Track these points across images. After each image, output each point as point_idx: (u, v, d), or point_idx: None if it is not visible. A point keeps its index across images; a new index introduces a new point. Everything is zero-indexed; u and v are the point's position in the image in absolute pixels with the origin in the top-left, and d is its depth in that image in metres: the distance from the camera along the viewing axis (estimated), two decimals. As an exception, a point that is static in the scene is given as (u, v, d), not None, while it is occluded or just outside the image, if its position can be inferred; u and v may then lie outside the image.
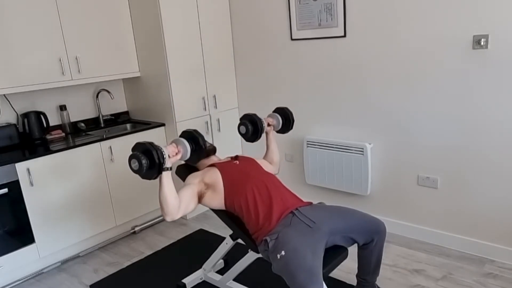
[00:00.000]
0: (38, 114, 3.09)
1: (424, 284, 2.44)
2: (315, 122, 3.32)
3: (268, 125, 2.48)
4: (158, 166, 1.84)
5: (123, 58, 3.37)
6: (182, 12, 3.25)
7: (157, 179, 1.91)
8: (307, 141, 3.29)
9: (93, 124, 3.54)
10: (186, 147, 2.01)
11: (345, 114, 3.12)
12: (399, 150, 2.90)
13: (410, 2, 2.60)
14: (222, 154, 2.62)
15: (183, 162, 2.21)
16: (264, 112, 2.63)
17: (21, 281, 2.79)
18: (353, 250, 2.09)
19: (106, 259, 3.03)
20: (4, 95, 2.97)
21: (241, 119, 2.43)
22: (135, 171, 1.88)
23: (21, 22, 2.79)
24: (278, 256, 1.79)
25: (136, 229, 3.39)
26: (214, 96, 3.59)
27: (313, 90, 3.25)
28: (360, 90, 2.99)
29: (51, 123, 3.22)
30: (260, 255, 2.05)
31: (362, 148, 2.97)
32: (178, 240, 3.22)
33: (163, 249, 3.10)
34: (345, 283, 2.48)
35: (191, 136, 2.04)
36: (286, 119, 2.54)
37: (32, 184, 2.72)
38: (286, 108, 2.54)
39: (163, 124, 3.44)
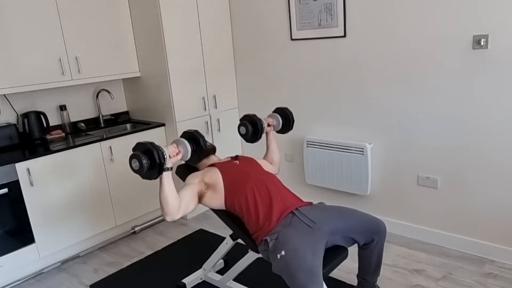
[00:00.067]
0: (38, 114, 3.09)
1: (424, 284, 2.44)
2: (315, 122, 3.32)
3: (268, 125, 2.48)
4: (159, 166, 1.85)
5: (123, 58, 3.37)
6: (182, 12, 3.25)
7: (158, 179, 1.92)
8: (307, 141, 3.29)
9: (93, 124, 3.54)
10: (187, 147, 2.01)
11: (345, 114, 3.12)
12: (399, 150, 2.90)
13: (410, 2, 2.61)
14: (222, 154, 2.62)
15: (183, 162, 2.21)
16: (264, 112, 2.63)
17: (21, 281, 2.79)
18: (353, 250, 2.09)
19: (106, 259, 3.03)
20: (4, 95, 2.97)
21: (241, 119, 2.43)
22: (135, 171, 1.88)
23: (21, 22, 2.78)
24: (278, 256, 1.79)
25: (136, 229, 3.39)
26: (214, 96, 3.59)
27: (313, 90, 3.26)
28: (360, 90, 2.99)
29: (51, 123, 3.22)
30: (260, 255, 2.05)
31: (362, 148, 2.97)
32: (178, 240, 3.22)
33: (163, 249, 3.10)
34: (345, 283, 2.48)
35: (192, 137, 2.04)
36: (286, 119, 2.54)
37: (32, 184, 2.72)
38: (286, 108, 2.54)
39: (163, 124, 3.44)
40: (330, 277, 2.48)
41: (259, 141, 2.47)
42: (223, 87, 3.68)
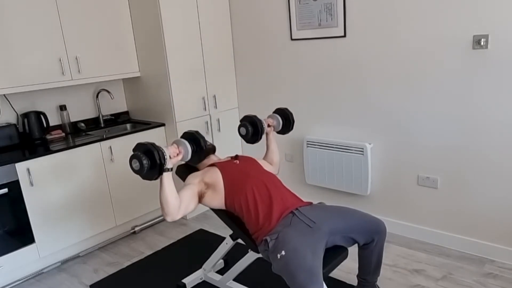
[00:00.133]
0: (38, 114, 3.09)
1: (424, 284, 2.45)
2: (315, 122, 3.32)
3: (268, 126, 2.48)
4: (159, 167, 1.85)
5: (123, 58, 3.37)
6: (182, 12, 3.25)
7: (158, 180, 1.92)
8: (307, 141, 3.29)
9: (93, 124, 3.54)
10: (187, 148, 2.01)
11: (345, 114, 3.12)
12: (399, 150, 2.90)
13: (410, 2, 2.61)
14: (222, 154, 2.62)
15: (183, 162, 2.21)
16: (264, 112, 2.63)
17: (21, 281, 2.79)
18: (353, 250, 2.09)
19: (106, 259, 3.03)
20: (4, 95, 2.97)
21: (241, 120, 2.43)
22: (136, 171, 1.88)
23: (21, 22, 2.78)
24: (278, 256, 1.79)
25: (136, 229, 3.39)
26: (214, 96, 3.60)
27: (313, 90, 3.26)
28: (360, 90, 2.99)
29: (51, 123, 3.22)
30: (260, 255, 2.05)
31: (362, 148, 2.97)
32: (178, 240, 3.22)
33: (163, 249, 3.10)
34: (345, 283, 2.48)
35: (193, 137, 2.04)
36: (286, 120, 2.54)
37: (32, 184, 2.72)
38: (286, 109, 2.54)
39: (163, 124, 3.44)
40: (330, 277, 2.48)
41: (259, 142, 2.47)
42: (223, 87, 3.68)
